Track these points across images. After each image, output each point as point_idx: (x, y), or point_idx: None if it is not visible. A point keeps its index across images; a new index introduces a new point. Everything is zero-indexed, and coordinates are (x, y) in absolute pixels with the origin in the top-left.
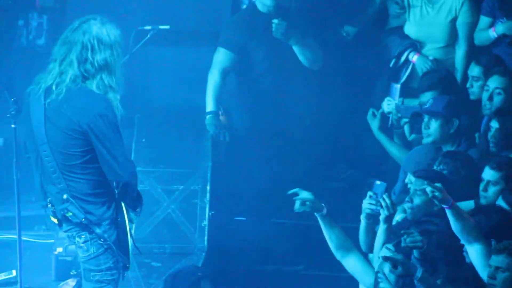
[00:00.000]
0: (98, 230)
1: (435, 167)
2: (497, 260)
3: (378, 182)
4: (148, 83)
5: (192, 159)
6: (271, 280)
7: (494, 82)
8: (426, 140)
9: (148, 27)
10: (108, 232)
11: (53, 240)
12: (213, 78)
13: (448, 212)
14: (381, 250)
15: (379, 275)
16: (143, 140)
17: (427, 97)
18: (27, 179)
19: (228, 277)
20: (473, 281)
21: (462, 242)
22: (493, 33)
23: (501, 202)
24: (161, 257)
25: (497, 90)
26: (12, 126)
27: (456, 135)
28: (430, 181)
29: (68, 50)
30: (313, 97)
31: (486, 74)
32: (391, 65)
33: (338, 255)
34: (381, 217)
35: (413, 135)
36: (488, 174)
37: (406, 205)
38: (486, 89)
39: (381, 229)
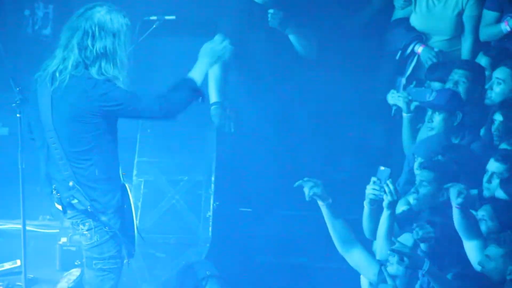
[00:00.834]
0: (103, 218)
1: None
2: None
3: (382, 168)
4: (154, 73)
5: (197, 149)
6: (275, 271)
7: (496, 72)
8: (430, 133)
9: (154, 18)
10: (113, 219)
11: (57, 230)
12: (213, 71)
13: (456, 212)
14: (384, 236)
15: (383, 268)
16: (148, 130)
17: (434, 87)
18: (32, 169)
19: (231, 268)
20: (483, 278)
21: (461, 237)
22: (505, 27)
23: (499, 192)
24: (166, 248)
25: (497, 80)
26: (18, 115)
27: (460, 128)
28: (437, 172)
29: (71, 36)
30: (316, 88)
31: (493, 66)
32: (397, 57)
33: (340, 248)
34: (385, 203)
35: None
36: (493, 166)
37: (412, 196)
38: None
39: (384, 215)
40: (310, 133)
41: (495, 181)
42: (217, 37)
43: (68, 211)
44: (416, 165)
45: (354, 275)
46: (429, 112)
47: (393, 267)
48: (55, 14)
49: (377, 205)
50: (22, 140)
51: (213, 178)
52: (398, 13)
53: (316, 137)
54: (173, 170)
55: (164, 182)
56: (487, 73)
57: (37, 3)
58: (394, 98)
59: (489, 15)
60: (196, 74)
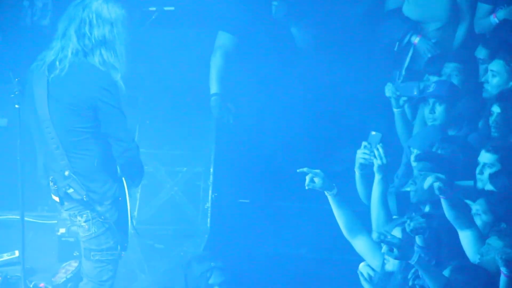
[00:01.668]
0: (99, 208)
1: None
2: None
3: (373, 133)
4: (153, 64)
5: (196, 141)
6: (274, 262)
7: (491, 65)
8: (433, 123)
9: (153, 8)
10: (110, 211)
11: (55, 221)
12: (216, 61)
13: (443, 202)
14: (378, 203)
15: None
16: (147, 121)
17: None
18: (30, 159)
19: (230, 259)
20: (481, 270)
21: (455, 227)
22: (494, 19)
23: (489, 185)
24: (164, 239)
25: (492, 73)
26: (16, 106)
27: (459, 118)
28: (433, 163)
29: (69, 25)
30: (316, 80)
31: (491, 57)
32: (395, 48)
33: (347, 236)
34: (375, 167)
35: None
36: (484, 157)
37: (410, 187)
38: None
39: (376, 179)
40: (309, 124)
41: (487, 172)
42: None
43: (65, 202)
44: (412, 157)
45: (353, 267)
46: (431, 103)
47: (390, 264)
48: (54, 4)
49: (368, 169)
50: (21, 130)
51: (211, 170)
52: (391, 4)
53: (316, 128)
54: (172, 161)
55: (163, 173)
56: (486, 65)
57: None
58: (389, 90)
59: (482, 8)
60: None
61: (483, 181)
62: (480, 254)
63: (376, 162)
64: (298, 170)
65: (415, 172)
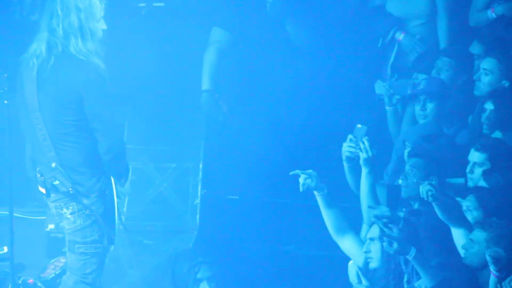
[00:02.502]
0: (85, 201)
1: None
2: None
3: (359, 126)
4: (142, 60)
5: (185, 137)
6: (262, 258)
7: (483, 63)
8: (424, 120)
9: (142, 4)
10: (96, 204)
11: (44, 217)
12: (209, 57)
13: (435, 207)
14: (367, 195)
15: (368, 255)
16: (136, 117)
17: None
18: (20, 155)
19: (219, 255)
20: (465, 267)
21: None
22: (491, 14)
23: (482, 183)
24: (153, 235)
25: (485, 71)
26: (5, 102)
27: (449, 115)
28: (425, 159)
29: (46, 17)
30: (307, 77)
31: (486, 53)
32: (379, 45)
33: (334, 235)
34: (361, 161)
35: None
36: (474, 155)
37: (402, 183)
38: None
39: (363, 172)
40: (300, 121)
41: (477, 171)
42: None
43: (52, 194)
44: (406, 152)
45: (341, 263)
46: (422, 101)
47: (373, 262)
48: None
49: (355, 162)
50: (10, 127)
51: (201, 166)
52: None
53: (306, 124)
54: (161, 157)
55: (152, 169)
56: (480, 60)
57: None
58: (380, 88)
59: (480, 0)
60: None
61: (474, 179)
62: (464, 248)
63: (362, 155)
64: (290, 173)
65: (407, 167)
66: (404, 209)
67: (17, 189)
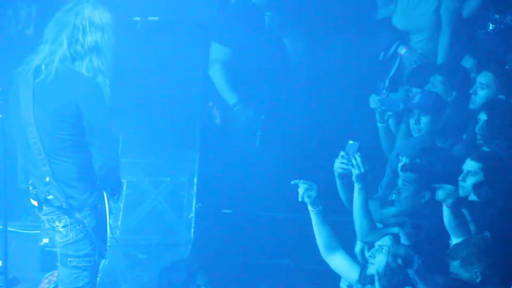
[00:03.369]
0: (78, 215)
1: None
2: None
3: (351, 142)
4: (137, 74)
5: (180, 151)
6: (257, 273)
7: (480, 77)
8: (418, 134)
9: (137, 18)
10: (88, 218)
11: (39, 231)
12: (219, 74)
13: (446, 210)
14: (360, 212)
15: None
16: (131, 131)
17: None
18: (14, 168)
19: (213, 270)
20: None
21: (450, 235)
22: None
23: (472, 196)
24: (148, 249)
25: (481, 85)
26: None
27: (444, 129)
28: (418, 174)
29: (60, 30)
30: (303, 90)
31: (479, 68)
32: (380, 58)
33: (323, 252)
34: (354, 177)
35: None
36: (469, 164)
37: (395, 198)
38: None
39: (356, 188)
40: (295, 134)
41: (470, 180)
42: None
43: (44, 207)
44: (399, 166)
45: (335, 277)
46: (416, 114)
47: (373, 268)
48: (38, 13)
49: (347, 178)
50: (4, 140)
51: (195, 180)
52: (382, 13)
53: (302, 138)
54: (155, 171)
55: (146, 183)
56: (472, 74)
57: (20, 3)
58: (374, 102)
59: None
60: None
61: (465, 188)
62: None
63: (355, 171)
64: (291, 182)
65: (400, 182)
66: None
67: (11, 203)
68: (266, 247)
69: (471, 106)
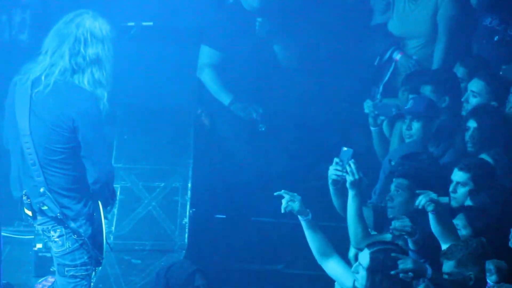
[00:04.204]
0: (73, 225)
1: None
2: None
3: (345, 149)
4: (131, 79)
5: (174, 156)
6: (251, 278)
7: (471, 85)
8: (409, 140)
9: (131, 24)
10: (83, 227)
11: (32, 236)
12: (209, 77)
13: (431, 216)
14: (354, 219)
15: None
16: (125, 136)
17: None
18: (7, 174)
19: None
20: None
21: (439, 241)
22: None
23: (469, 203)
24: (141, 254)
25: (472, 93)
26: None
27: (436, 135)
28: (409, 179)
29: (61, 42)
30: (295, 96)
31: (470, 75)
32: (376, 63)
33: (318, 259)
34: (348, 183)
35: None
36: (457, 175)
37: (388, 204)
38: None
39: (350, 195)
40: (287, 140)
41: (460, 191)
42: None
43: (38, 217)
44: (391, 172)
45: (329, 282)
46: (408, 120)
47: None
48: (32, 19)
49: (340, 185)
50: None
51: (189, 185)
52: (378, 18)
53: (294, 144)
54: (149, 177)
55: (140, 188)
56: (464, 83)
57: (15, 9)
58: (368, 107)
59: None
60: None
61: (457, 199)
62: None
63: (349, 178)
64: (275, 194)
65: (392, 188)
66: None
67: (4, 208)
68: (260, 252)
69: (464, 113)
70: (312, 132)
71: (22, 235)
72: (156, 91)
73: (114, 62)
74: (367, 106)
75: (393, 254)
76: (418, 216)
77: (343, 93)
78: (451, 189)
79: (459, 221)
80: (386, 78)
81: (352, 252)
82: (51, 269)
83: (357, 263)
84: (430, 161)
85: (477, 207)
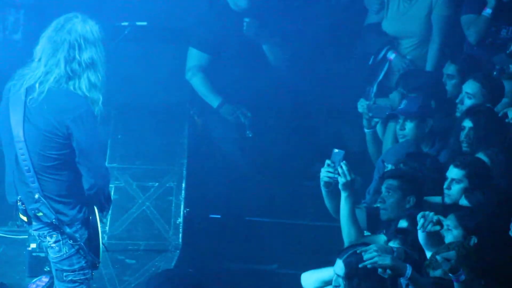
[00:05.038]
0: (69, 230)
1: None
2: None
3: (336, 150)
4: (125, 79)
5: (168, 156)
6: (245, 278)
7: (466, 86)
8: (402, 140)
9: (125, 23)
10: (79, 231)
11: (26, 236)
12: (198, 79)
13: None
14: (347, 220)
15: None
16: (119, 136)
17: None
18: (1, 175)
19: (201, 275)
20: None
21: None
22: (486, 11)
23: (463, 202)
24: (136, 254)
25: (467, 95)
26: None
27: (430, 135)
28: (400, 180)
29: (55, 50)
30: (288, 96)
31: (461, 73)
32: (370, 62)
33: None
34: (340, 185)
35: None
36: (452, 172)
37: (380, 205)
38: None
39: (342, 197)
40: (281, 141)
41: (455, 188)
42: None
43: (34, 223)
44: (382, 173)
45: None
46: (401, 120)
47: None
48: (26, 19)
49: (333, 187)
50: None
51: (184, 185)
52: (372, 18)
53: (288, 144)
54: (143, 176)
55: (134, 188)
56: (454, 80)
57: (8, 8)
58: (362, 107)
59: (470, 17)
60: None
61: (451, 196)
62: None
63: (341, 180)
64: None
65: (382, 189)
66: (384, 231)
67: None
68: (254, 252)
69: (458, 115)
70: (305, 132)
71: (16, 235)
72: (150, 90)
73: (107, 62)
74: (361, 105)
75: (358, 251)
76: (410, 219)
77: (336, 93)
78: (445, 185)
79: (449, 222)
80: (380, 77)
81: None
82: (45, 269)
83: (335, 276)
84: (426, 162)
85: (469, 206)
